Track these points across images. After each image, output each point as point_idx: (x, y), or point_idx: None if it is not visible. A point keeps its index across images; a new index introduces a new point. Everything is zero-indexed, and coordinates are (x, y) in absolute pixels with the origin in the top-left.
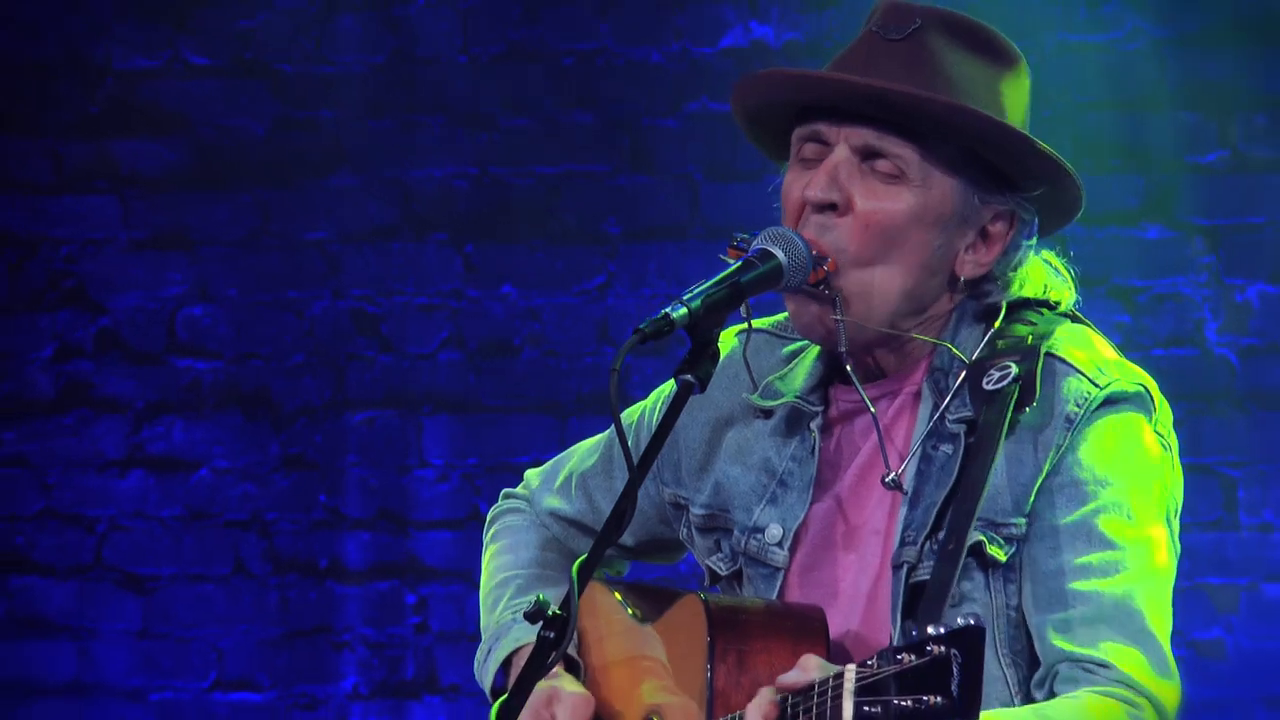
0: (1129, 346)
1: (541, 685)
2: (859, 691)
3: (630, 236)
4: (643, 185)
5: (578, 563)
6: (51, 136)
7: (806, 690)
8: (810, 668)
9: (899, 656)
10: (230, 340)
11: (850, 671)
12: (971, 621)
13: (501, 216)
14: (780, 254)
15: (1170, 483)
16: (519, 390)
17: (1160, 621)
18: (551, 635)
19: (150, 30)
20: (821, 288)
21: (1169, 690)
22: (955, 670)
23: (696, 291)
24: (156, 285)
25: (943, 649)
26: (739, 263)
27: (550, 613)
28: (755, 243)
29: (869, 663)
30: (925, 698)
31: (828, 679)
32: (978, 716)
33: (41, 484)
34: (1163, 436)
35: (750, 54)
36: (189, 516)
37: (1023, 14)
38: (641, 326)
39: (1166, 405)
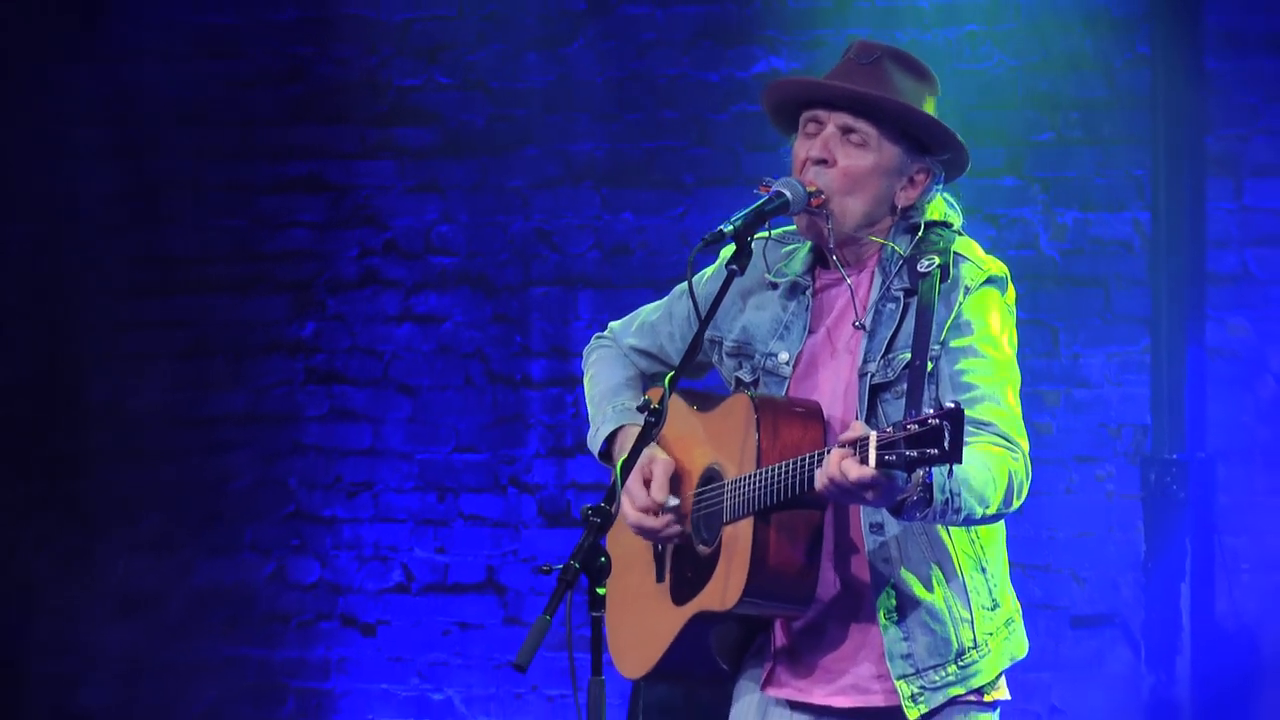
0: (994, 249)
1: (643, 451)
2: (879, 447)
3: (700, 184)
4: (706, 154)
5: (669, 376)
6: (357, 125)
7: (852, 444)
8: (859, 428)
9: (908, 426)
10: (463, 245)
11: (873, 435)
12: (956, 404)
13: (623, 173)
14: (788, 193)
15: (1013, 334)
16: (634, 275)
17: (1015, 403)
18: (654, 419)
19: (415, 62)
20: (818, 209)
21: (1025, 442)
22: (947, 433)
23: (738, 216)
24: (420, 213)
25: (938, 421)
26: (763, 198)
27: (652, 406)
28: (774, 186)
29: (887, 429)
30: (926, 449)
31: (859, 438)
32: (961, 462)
33: (350, 331)
34: (1009, 305)
35: (769, 76)
36: (439, 350)
37: (931, 52)
38: (705, 236)
39: (1013, 286)
